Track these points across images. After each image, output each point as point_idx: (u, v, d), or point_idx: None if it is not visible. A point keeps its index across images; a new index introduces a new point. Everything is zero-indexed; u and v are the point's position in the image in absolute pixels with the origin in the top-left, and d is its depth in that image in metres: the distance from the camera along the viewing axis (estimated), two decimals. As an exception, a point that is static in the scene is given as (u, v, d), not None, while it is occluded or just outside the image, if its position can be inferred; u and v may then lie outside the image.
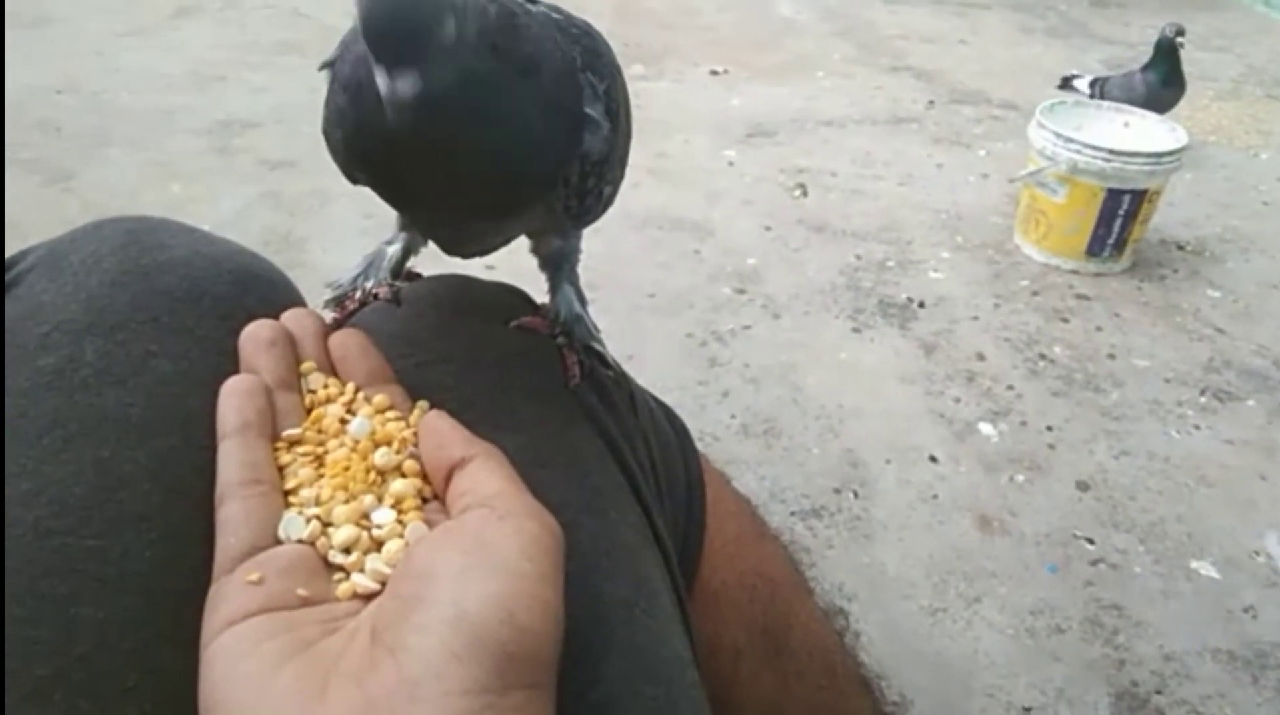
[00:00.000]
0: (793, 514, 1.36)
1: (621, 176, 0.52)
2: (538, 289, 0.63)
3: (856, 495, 1.40)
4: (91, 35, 2.94)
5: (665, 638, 0.45)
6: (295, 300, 0.50)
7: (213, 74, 2.75)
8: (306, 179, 2.15)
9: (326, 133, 0.46)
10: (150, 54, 2.85)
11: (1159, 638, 1.21)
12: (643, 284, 1.89)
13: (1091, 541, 1.35)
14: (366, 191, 0.47)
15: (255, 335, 0.44)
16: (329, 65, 0.46)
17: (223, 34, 3.04)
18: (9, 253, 0.48)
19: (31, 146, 2.24)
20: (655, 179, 2.30)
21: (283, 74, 2.77)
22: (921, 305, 1.88)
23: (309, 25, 3.08)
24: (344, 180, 0.49)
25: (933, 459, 1.48)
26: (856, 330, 1.80)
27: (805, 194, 2.31)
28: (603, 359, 0.57)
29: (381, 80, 0.35)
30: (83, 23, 3.01)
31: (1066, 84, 2.64)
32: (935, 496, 1.41)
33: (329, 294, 0.55)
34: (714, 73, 3.08)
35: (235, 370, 0.43)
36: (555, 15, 0.47)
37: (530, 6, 0.46)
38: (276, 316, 0.45)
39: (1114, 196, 1.95)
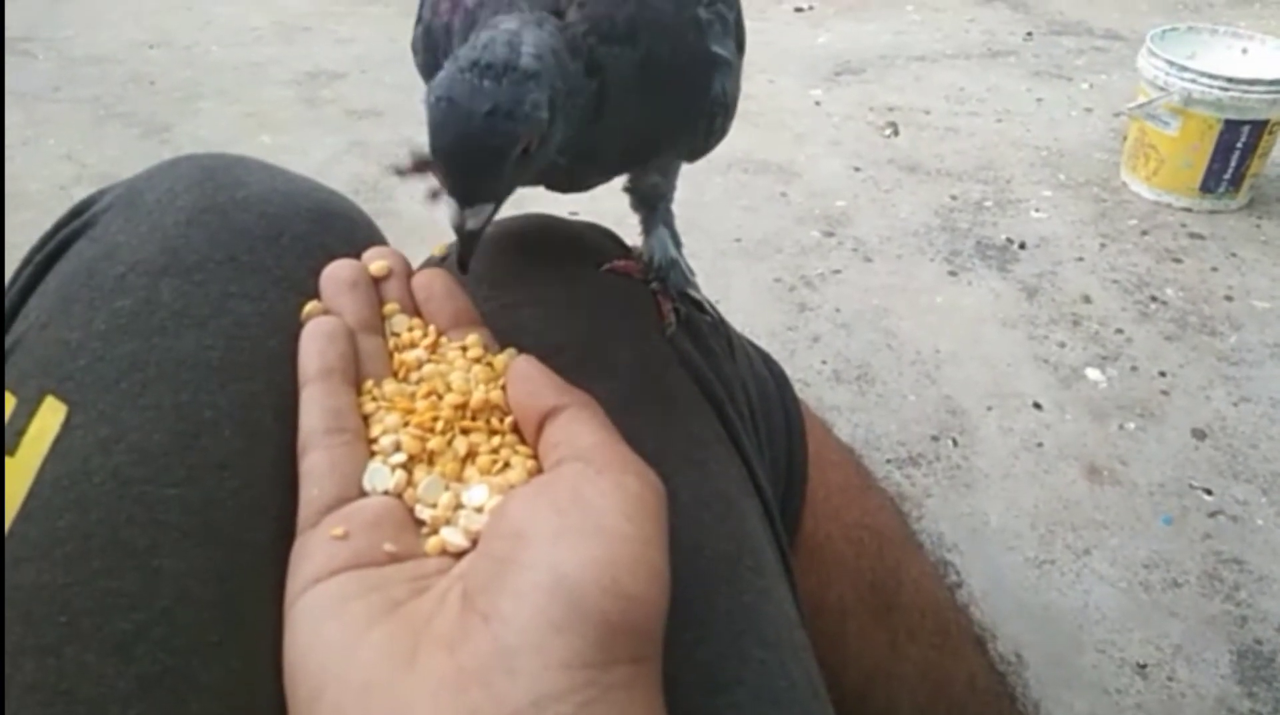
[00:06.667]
0: (888, 462, 1.31)
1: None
2: (627, 231, 0.60)
3: (956, 443, 1.35)
4: (181, -11, 2.97)
5: (772, 596, 0.42)
6: (376, 238, 0.47)
7: (299, 25, 2.76)
8: (391, 128, 2.15)
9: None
10: (238, 6, 2.88)
11: (1284, 594, 1.14)
12: (728, 228, 1.84)
13: (1209, 492, 1.28)
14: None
15: (336, 275, 0.41)
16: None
17: (307, -16, 3.05)
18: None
19: (128, 100, 2.28)
20: (739, 120, 2.18)
21: (366, 24, 2.77)
22: (1022, 246, 1.80)
23: (391, -26, 3.07)
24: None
25: (1037, 406, 1.42)
26: (953, 273, 1.72)
27: (896, 133, 2.22)
28: (699, 305, 0.54)
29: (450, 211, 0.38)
30: (172, -23, 3.05)
31: None
32: (1040, 445, 1.35)
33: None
34: (799, 9, 2.98)
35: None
36: None
37: None
38: (356, 255, 0.43)
39: (1231, 128, 1.82)
